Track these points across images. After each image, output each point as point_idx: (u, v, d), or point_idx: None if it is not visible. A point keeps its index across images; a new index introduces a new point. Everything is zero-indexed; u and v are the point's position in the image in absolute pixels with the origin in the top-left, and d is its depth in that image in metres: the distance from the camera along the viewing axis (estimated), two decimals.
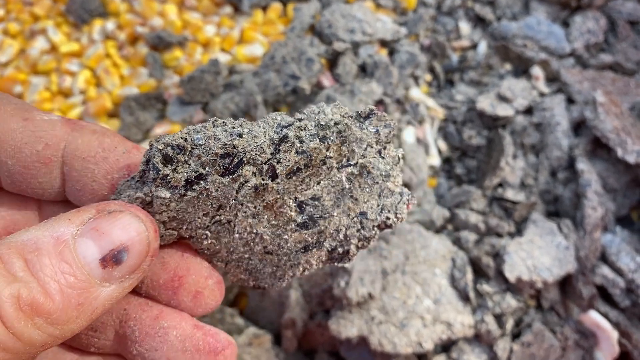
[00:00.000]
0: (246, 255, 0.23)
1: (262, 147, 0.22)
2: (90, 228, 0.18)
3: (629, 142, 0.36)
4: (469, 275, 0.35)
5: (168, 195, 0.21)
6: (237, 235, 0.22)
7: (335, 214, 0.22)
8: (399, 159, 0.22)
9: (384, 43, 0.42)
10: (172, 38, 0.42)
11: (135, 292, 0.22)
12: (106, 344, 0.22)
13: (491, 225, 0.37)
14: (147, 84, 0.41)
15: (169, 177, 0.21)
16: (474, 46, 0.42)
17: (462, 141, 0.40)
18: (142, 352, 0.21)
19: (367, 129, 0.22)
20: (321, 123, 0.22)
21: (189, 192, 0.21)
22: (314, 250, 0.23)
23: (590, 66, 0.41)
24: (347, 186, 0.22)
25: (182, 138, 0.21)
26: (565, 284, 0.36)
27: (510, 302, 0.34)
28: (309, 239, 0.23)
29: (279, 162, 0.22)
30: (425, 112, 0.40)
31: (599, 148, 0.38)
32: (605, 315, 0.35)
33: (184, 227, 0.22)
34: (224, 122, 0.22)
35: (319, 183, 0.22)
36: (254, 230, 0.22)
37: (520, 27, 0.41)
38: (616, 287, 0.36)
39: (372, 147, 0.22)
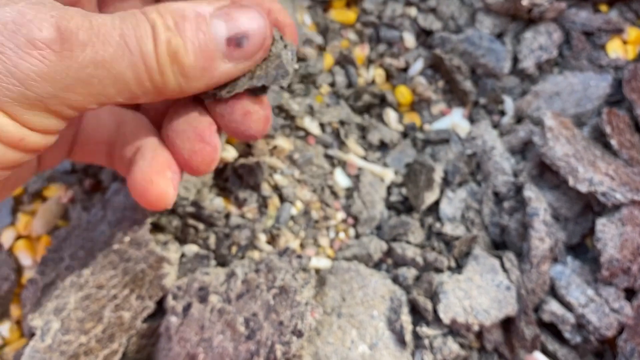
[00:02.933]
0: None
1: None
2: (224, 12, 0.23)
3: (580, 170, 0.34)
4: (405, 317, 0.33)
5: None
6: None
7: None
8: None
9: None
10: None
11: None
12: None
13: (429, 260, 0.34)
14: None
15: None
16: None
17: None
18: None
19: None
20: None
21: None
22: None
23: (538, 84, 0.38)
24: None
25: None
26: (509, 323, 0.34)
27: (452, 347, 0.32)
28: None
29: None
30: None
31: (547, 172, 0.36)
32: (554, 354, 0.33)
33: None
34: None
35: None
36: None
37: (460, 41, 0.39)
38: (566, 324, 0.33)
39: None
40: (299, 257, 0.33)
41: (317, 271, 0.36)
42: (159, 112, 0.30)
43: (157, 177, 0.26)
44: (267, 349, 0.30)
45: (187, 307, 0.33)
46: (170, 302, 0.33)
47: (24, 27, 0.18)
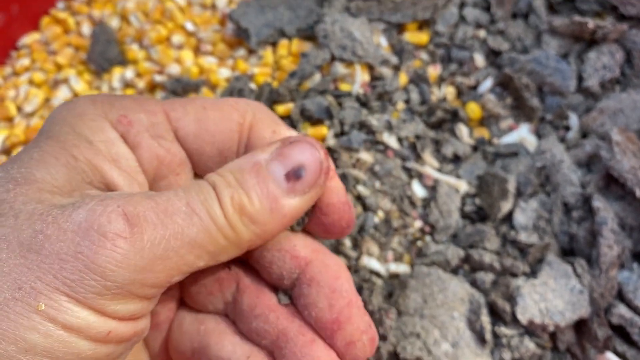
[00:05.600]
0: None
1: None
2: (277, 154, 0.24)
3: None
4: (485, 318, 0.35)
5: None
6: None
7: None
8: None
9: (370, 67, 0.42)
10: (190, 85, 0.43)
11: (301, 316, 0.26)
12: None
13: (506, 265, 0.37)
14: None
15: None
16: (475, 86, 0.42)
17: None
18: None
19: None
20: None
21: None
22: None
23: (602, 101, 0.41)
24: None
25: None
26: (581, 325, 0.36)
27: (529, 345, 0.35)
28: None
29: None
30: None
31: (613, 183, 0.38)
32: (623, 355, 0.36)
33: None
34: None
35: None
36: None
37: (528, 61, 0.41)
38: (634, 327, 0.36)
39: None
40: (356, 271, 0.36)
41: (397, 276, 0.39)
42: None
43: None
44: None
45: None
46: None
47: (95, 223, 0.20)
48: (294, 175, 0.24)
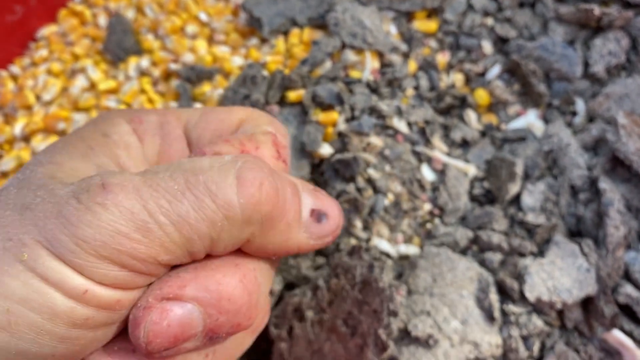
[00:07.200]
0: None
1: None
2: (311, 189, 0.26)
3: None
4: (493, 296, 0.36)
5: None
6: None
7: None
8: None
9: (380, 54, 0.43)
10: (204, 73, 0.44)
11: None
12: None
13: (514, 245, 0.38)
14: None
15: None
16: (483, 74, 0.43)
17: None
18: None
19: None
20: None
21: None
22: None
23: (607, 87, 0.42)
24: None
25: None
26: (588, 303, 0.37)
27: (537, 323, 0.36)
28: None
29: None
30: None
31: (619, 166, 0.39)
32: (630, 333, 0.36)
33: None
34: None
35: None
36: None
37: (535, 48, 0.42)
38: None
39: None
40: (367, 250, 0.38)
41: (407, 257, 0.39)
42: None
43: None
44: (373, 337, 0.34)
45: (290, 330, 0.36)
46: (274, 331, 0.37)
47: (77, 191, 0.21)
48: (317, 215, 0.25)
